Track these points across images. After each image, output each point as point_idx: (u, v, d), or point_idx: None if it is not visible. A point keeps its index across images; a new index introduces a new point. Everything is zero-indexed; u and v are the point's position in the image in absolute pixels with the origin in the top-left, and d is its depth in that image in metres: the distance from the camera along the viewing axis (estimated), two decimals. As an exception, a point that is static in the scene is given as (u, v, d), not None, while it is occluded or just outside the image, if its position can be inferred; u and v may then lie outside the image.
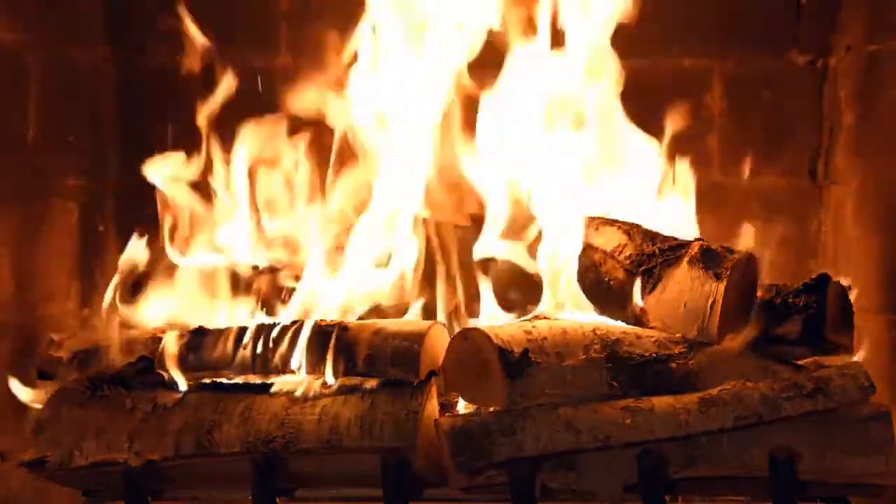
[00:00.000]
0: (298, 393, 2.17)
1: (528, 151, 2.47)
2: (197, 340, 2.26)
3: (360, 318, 2.35)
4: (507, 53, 2.52)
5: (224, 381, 2.25)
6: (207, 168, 2.60)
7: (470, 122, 2.53)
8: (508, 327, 2.16)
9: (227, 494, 2.24)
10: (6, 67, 2.54)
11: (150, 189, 2.56)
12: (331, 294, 2.40)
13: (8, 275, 2.52)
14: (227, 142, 2.59)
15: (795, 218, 2.84)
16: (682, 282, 2.18)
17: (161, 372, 2.25)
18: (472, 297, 2.44)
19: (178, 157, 2.58)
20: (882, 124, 2.61)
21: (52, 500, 2.48)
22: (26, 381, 2.31)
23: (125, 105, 2.77)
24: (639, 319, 2.25)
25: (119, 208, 2.86)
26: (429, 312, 2.42)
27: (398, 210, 2.48)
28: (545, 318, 2.23)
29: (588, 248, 2.34)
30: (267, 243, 2.58)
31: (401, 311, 2.41)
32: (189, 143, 2.60)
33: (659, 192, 2.52)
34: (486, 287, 2.40)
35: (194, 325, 2.31)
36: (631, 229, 2.32)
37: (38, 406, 2.26)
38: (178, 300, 2.44)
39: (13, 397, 2.31)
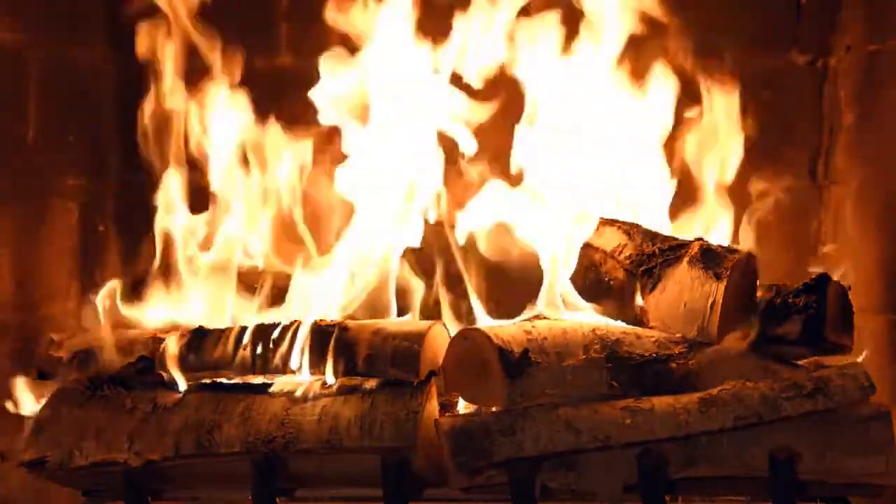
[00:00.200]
0: (298, 393, 2.17)
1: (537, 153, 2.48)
2: (197, 340, 2.26)
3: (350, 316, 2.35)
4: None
5: (224, 381, 2.25)
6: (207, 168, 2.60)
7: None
8: (508, 327, 2.16)
9: (227, 494, 2.24)
10: (6, 67, 2.54)
11: (151, 189, 2.56)
12: (331, 294, 2.39)
13: (8, 275, 2.52)
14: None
15: (795, 218, 2.84)
16: (682, 282, 2.19)
17: (161, 372, 2.25)
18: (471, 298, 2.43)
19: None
20: (882, 124, 2.61)
21: (52, 500, 2.48)
22: (28, 387, 2.32)
23: (125, 105, 2.77)
24: (639, 319, 2.25)
25: (119, 208, 2.86)
26: (429, 312, 2.42)
27: (398, 209, 2.48)
28: (545, 318, 2.23)
29: (588, 248, 2.34)
30: (267, 244, 2.58)
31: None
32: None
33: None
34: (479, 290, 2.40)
35: (194, 325, 2.31)
36: (631, 229, 2.33)
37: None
38: (179, 300, 2.44)
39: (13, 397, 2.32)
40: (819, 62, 2.82)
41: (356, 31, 2.56)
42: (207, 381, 2.25)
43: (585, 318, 2.27)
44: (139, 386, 2.26)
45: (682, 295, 2.18)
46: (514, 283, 2.34)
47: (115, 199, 2.86)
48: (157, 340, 2.30)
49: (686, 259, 2.20)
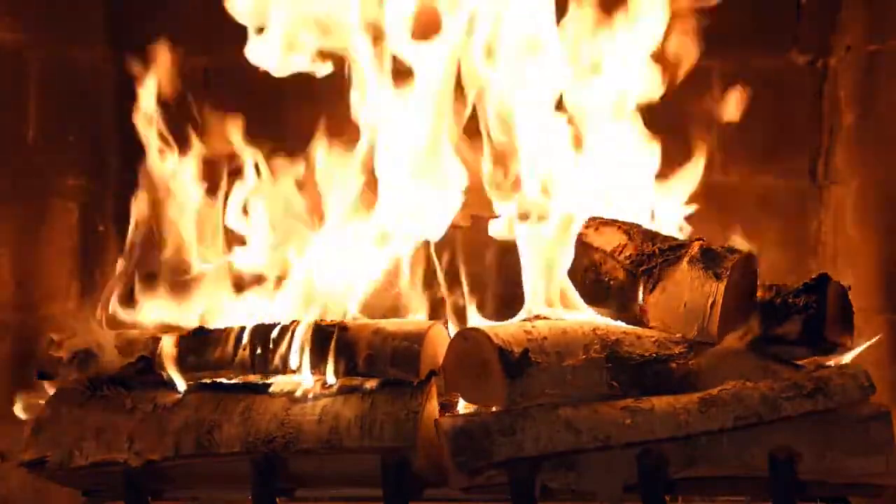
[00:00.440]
0: (298, 393, 2.17)
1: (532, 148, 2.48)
2: (197, 340, 2.26)
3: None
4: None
5: (224, 381, 2.25)
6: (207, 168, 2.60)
7: (470, 122, 2.54)
8: (508, 327, 2.16)
9: (227, 494, 2.24)
10: (6, 67, 2.54)
11: (150, 189, 2.56)
12: (330, 293, 2.39)
13: (8, 275, 2.52)
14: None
15: (795, 218, 2.84)
16: (682, 282, 2.19)
17: (161, 372, 2.25)
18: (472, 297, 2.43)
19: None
20: (882, 124, 2.61)
21: (52, 500, 2.48)
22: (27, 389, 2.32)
23: (125, 105, 2.77)
24: (639, 319, 2.25)
25: (119, 208, 2.86)
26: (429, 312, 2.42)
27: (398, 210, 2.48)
28: (545, 318, 2.23)
29: (588, 248, 2.34)
30: (266, 243, 2.58)
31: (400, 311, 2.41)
32: (189, 143, 2.60)
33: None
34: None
35: (194, 325, 2.31)
36: (631, 229, 2.32)
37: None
38: (178, 300, 2.44)
39: (13, 397, 2.31)
40: (819, 62, 2.82)
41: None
42: (207, 381, 2.25)
43: (585, 318, 2.27)
44: (139, 386, 2.25)
45: (682, 295, 2.18)
46: (517, 284, 2.33)
47: (115, 199, 2.86)
48: (156, 340, 2.29)
49: (686, 259, 2.20)
